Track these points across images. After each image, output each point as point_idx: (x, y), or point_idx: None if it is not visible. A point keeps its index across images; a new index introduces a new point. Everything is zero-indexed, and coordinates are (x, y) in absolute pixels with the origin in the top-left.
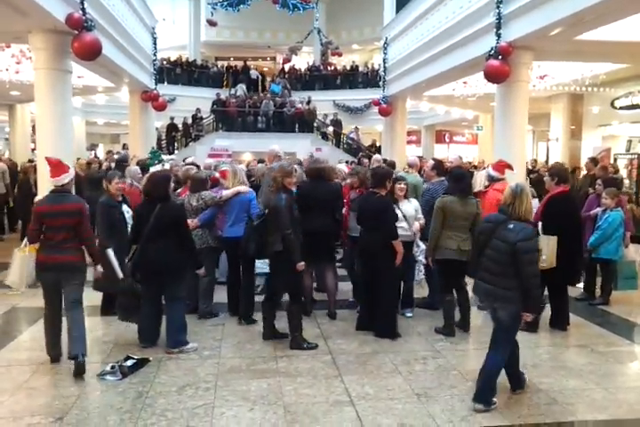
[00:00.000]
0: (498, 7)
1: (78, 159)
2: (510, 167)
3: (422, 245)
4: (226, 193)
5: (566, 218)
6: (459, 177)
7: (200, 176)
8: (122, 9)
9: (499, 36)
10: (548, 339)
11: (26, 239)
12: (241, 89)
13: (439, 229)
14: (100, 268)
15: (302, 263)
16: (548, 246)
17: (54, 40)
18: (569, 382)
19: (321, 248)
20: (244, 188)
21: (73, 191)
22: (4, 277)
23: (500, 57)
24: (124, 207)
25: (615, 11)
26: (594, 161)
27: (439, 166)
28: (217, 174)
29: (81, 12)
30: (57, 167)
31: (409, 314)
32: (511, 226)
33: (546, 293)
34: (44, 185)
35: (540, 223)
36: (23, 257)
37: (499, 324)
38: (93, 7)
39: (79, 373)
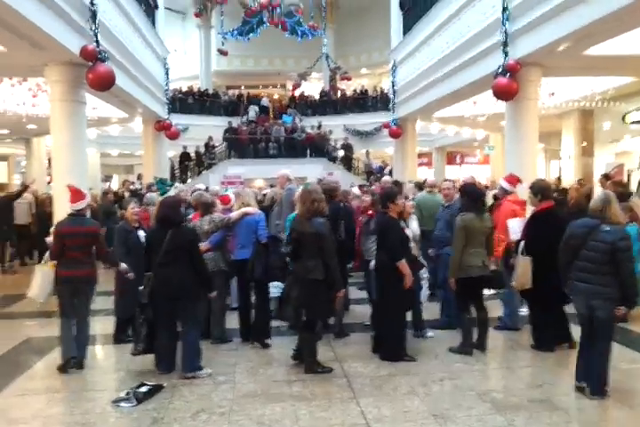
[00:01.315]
0: (504, 25)
1: (90, 189)
2: (520, 181)
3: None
4: (233, 215)
5: (554, 234)
6: (474, 194)
7: (206, 200)
8: (134, 40)
9: (506, 53)
10: (565, 358)
11: (46, 256)
12: (253, 110)
13: (462, 248)
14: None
15: (343, 291)
16: (519, 267)
17: (69, 72)
18: (587, 401)
19: None
20: (252, 209)
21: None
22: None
23: (508, 74)
24: (140, 232)
25: (620, 24)
26: (607, 177)
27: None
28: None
29: (95, 44)
30: (76, 194)
31: (430, 334)
32: (607, 228)
33: None
34: (61, 215)
35: (522, 243)
36: (44, 272)
37: (598, 321)
38: (106, 39)
39: (79, 367)
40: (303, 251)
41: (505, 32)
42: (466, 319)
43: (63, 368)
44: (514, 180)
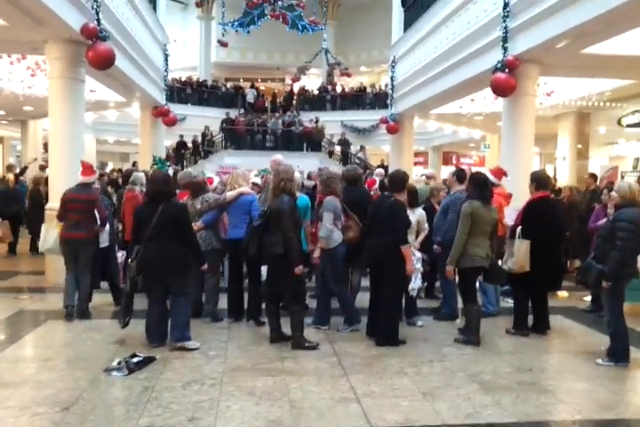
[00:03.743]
0: (504, 21)
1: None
2: (505, 174)
3: (418, 254)
4: (230, 194)
5: (546, 222)
6: (481, 183)
7: (198, 180)
8: (135, 23)
9: (505, 49)
10: (556, 346)
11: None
12: (251, 93)
13: (465, 237)
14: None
15: (301, 267)
16: (519, 250)
17: (70, 49)
18: (576, 385)
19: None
20: (247, 189)
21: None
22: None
23: (506, 70)
24: None
25: (619, 22)
26: (593, 177)
27: (459, 174)
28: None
29: (96, 22)
30: (87, 169)
31: (420, 323)
32: None
33: None
34: (56, 196)
35: (519, 228)
36: (50, 230)
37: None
38: (107, 19)
39: (84, 318)
40: (271, 226)
41: (505, 28)
42: (474, 310)
43: (66, 316)
44: (499, 173)
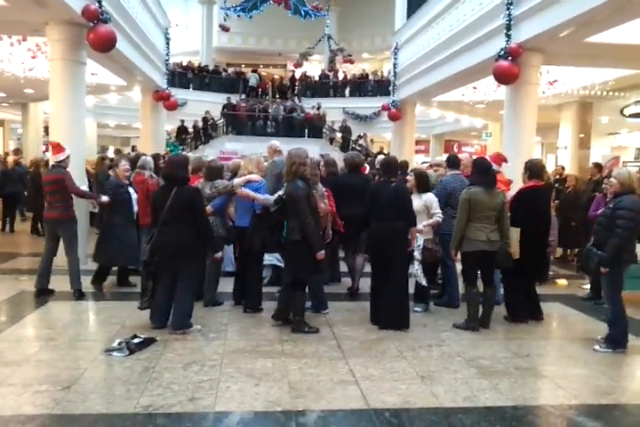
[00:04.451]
0: (508, 9)
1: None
2: (505, 160)
3: (420, 241)
4: (237, 181)
5: (534, 212)
6: (484, 169)
7: (217, 165)
8: (136, 6)
9: (508, 37)
10: (554, 332)
11: None
12: (254, 77)
13: (465, 221)
14: (104, 198)
15: (323, 252)
16: (512, 238)
17: (71, 31)
18: (573, 370)
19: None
20: (254, 176)
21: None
22: None
23: (509, 58)
24: (131, 189)
25: (624, 10)
26: (597, 166)
27: (451, 159)
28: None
29: (97, 4)
30: (56, 148)
31: (418, 308)
32: None
33: None
34: None
35: (508, 215)
36: None
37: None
38: (109, 1)
39: (80, 298)
40: (288, 212)
41: (509, 15)
42: (472, 294)
43: (37, 294)
44: (499, 159)
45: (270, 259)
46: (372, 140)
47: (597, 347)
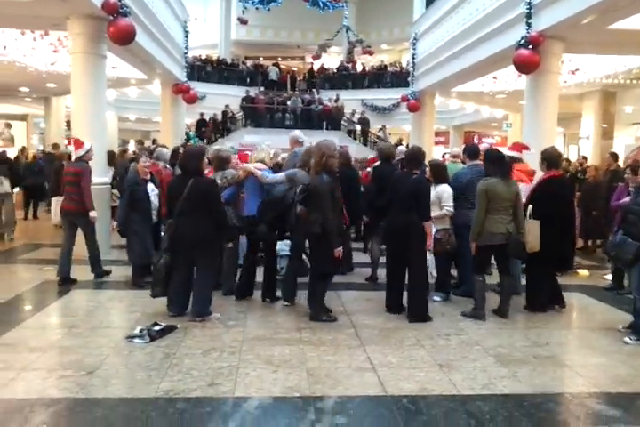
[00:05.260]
0: None
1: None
2: (526, 147)
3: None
4: (240, 171)
5: (556, 202)
6: (497, 159)
7: (221, 155)
8: (156, 0)
9: (529, 25)
10: (574, 322)
11: None
12: (274, 71)
13: (484, 213)
14: (93, 213)
15: (340, 249)
16: (529, 230)
17: (91, 25)
18: (593, 359)
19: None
20: (259, 165)
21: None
22: None
23: (530, 46)
24: (150, 186)
25: None
26: (614, 156)
27: (470, 149)
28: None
29: None
30: (77, 143)
31: (437, 298)
32: None
33: None
34: None
35: (529, 207)
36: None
37: None
38: None
39: (101, 276)
40: (312, 203)
41: (529, 3)
42: (479, 283)
43: (60, 282)
44: (518, 146)
45: (285, 249)
46: (389, 133)
47: (627, 339)
